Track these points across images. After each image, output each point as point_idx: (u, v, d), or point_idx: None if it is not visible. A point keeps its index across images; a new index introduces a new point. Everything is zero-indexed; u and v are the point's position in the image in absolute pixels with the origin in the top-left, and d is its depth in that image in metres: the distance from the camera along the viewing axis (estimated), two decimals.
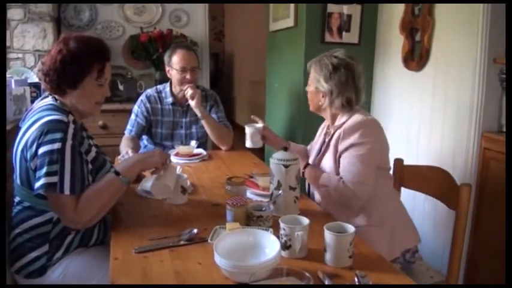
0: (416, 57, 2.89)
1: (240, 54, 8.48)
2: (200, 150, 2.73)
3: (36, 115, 1.65)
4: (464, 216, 1.81)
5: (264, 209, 1.64)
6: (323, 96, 2.00)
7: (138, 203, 1.91)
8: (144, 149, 2.90)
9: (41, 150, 1.55)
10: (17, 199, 1.72)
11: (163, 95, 2.89)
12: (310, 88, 2.06)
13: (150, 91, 2.93)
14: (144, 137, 2.94)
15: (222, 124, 2.88)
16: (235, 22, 8.57)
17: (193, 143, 2.76)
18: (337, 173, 1.91)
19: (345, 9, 3.20)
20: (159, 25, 4.18)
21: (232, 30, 9.04)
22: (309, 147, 2.36)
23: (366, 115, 1.96)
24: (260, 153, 3.82)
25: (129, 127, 2.85)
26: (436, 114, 2.72)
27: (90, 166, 1.68)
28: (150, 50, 3.94)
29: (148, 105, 2.86)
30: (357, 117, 1.92)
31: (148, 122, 2.85)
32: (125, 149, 2.57)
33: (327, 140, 2.05)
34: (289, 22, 3.43)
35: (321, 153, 2.06)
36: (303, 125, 3.29)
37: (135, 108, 2.89)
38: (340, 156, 1.91)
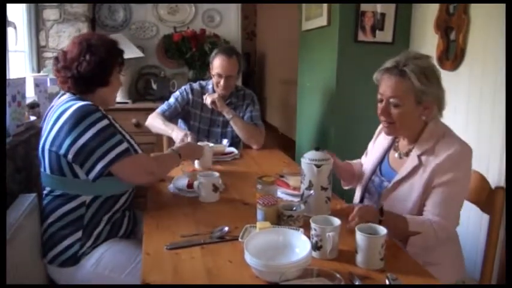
0: (451, 56, 2.83)
1: (272, 53, 8.47)
2: (232, 149, 2.75)
3: (60, 108, 1.70)
4: (498, 221, 1.77)
5: (294, 208, 1.64)
6: (426, 108, 1.70)
7: (170, 200, 1.93)
8: None
9: (89, 134, 1.62)
10: (46, 190, 1.78)
11: (205, 91, 2.94)
12: (403, 107, 1.68)
13: (194, 84, 3.00)
14: (182, 126, 3.00)
15: (253, 123, 2.89)
16: (267, 21, 8.57)
17: (225, 141, 2.79)
18: (420, 205, 1.69)
19: (379, 7, 3.16)
20: (192, 25, 4.22)
21: (264, 30, 9.05)
22: (363, 160, 2.11)
23: (460, 140, 1.70)
24: (291, 152, 3.82)
25: (164, 106, 2.92)
26: (471, 115, 2.66)
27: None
28: (183, 49, 3.98)
29: (190, 96, 2.93)
30: (456, 147, 1.65)
31: (184, 111, 2.90)
32: (172, 128, 2.75)
33: (411, 165, 1.72)
34: (322, 21, 3.41)
35: (399, 179, 1.75)
36: (335, 125, 3.26)
37: (176, 93, 2.97)
38: (429, 188, 1.67)
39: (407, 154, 1.79)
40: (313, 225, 1.41)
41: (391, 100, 1.69)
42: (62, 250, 1.72)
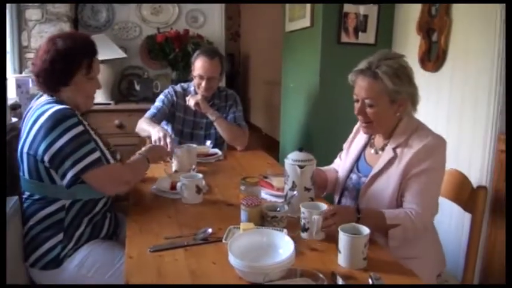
0: (433, 57, 2.86)
1: (256, 54, 8.48)
2: (215, 150, 2.74)
3: (38, 111, 1.68)
4: (480, 220, 1.79)
5: (278, 209, 1.64)
6: (400, 105, 1.74)
7: (153, 202, 1.92)
8: None
9: (63, 139, 1.61)
10: (26, 194, 1.77)
11: (187, 93, 2.93)
12: (378, 107, 1.73)
13: (176, 87, 2.97)
14: (168, 129, 2.96)
15: (237, 124, 2.88)
16: (251, 22, 8.57)
17: (208, 142, 2.78)
18: (398, 197, 1.72)
19: (362, 9, 3.19)
20: (175, 25, 4.20)
21: (248, 31, 9.05)
22: (337, 163, 2.13)
23: (433, 132, 1.75)
24: (275, 153, 3.83)
25: (153, 110, 2.85)
26: (453, 115, 2.69)
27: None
28: (166, 50, 3.96)
29: (175, 98, 2.90)
30: (429, 138, 1.69)
31: (171, 113, 2.88)
32: (154, 127, 2.62)
33: (386, 158, 1.76)
34: (306, 22, 3.42)
35: (376, 173, 1.78)
36: (318, 125, 3.28)
37: (161, 96, 2.92)
38: (406, 179, 1.70)
39: (382, 149, 1.83)
40: (302, 209, 1.53)
41: (366, 101, 1.74)
42: (43, 253, 1.70)
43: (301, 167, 1.70)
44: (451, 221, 2.59)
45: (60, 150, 1.61)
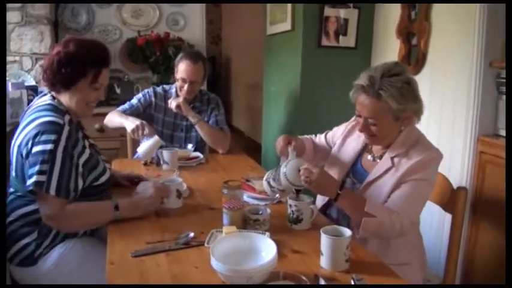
0: (412, 61, 2.90)
1: (237, 57, 8.48)
2: (197, 154, 2.73)
3: (34, 114, 1.71)
4: (460, 220, 1.81)
5: (260, 212, 1.64)
6: (405, 120, 1.71)
7: None
8: None
9: (34, 149, 1.61)
10: (11, 190, 1.78)
11: (168, 95, 2.91)
12: (382, 125, 1.69)
13: (157, 88, 2.96)
14: None
15: (219, 128, 2.87)
16: (232, 26, 8.57)
17: (189, 146, 2.76)
18: (385, 201, 1.71)
19: (342, 13, 3.21)
20: (156, 28, 4.18)
21: (229, 34, 9.04)
22: (317, 139, 2.15)
23: (432, 146, 1.75)
24: (257, 156, 3.83)
25: (125, 106, 2.85)
26: (433, 118, 2.72)
27: (80, 169, 1.72)
28: (147, 53, 3.94)
29: (153, 99, 2.88)
30: (428, 153, 1.69)
31: (147, 114, 2.84)
32: (123, 118, 2.63)
33: (384, 166, 1.75)
34: (286, 26, 3.44)
35: (371, 180, 1.77)
36: (300, 128, 3.29)
37: (139, 95, 2.91)
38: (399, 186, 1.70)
39: (380, 157, 1.81)
40: (294, 202, 1.63)
41: (369, 120, 1.69)
42: (18, 249, 1.71)
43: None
44: (432, 222, 2.62)
45: (29, 156, 1.62)
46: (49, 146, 1.61)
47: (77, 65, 1.72)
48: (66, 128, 1.68)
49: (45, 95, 1.83)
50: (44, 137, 1.62)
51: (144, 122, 2.53)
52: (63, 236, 1.75)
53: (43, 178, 1.59)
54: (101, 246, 1.70)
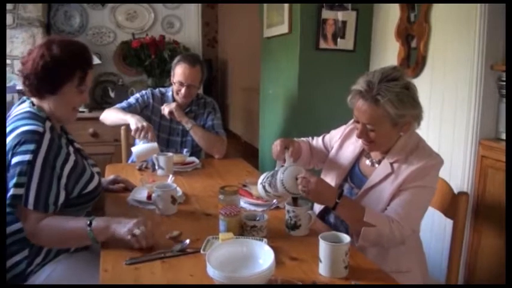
0: (412, 64, 2.90)
1: (234, 61, 8.48)
2: (193, 159, 2.72)
3: (13, 124, 1.65)
4: (462, 225, 1.81)
5: (258, 218, 1.64)
6: (404, 126, 1.70)
7: (129, 213, 1.88)
8: None
9: (13, 160, 1.57)
10: None
11: (165, 98, 2.91)
12: (380, 131, 1.68)
13: (155, 90, 2.96)
14: None
15: (214, 132, 2.87)
16: (229, 28, 8.59)
17: (184, 151, 2.76)
18: (384, 208, 1.70)
19: (340, 15, 3.22)
20: (151, 31, 4.18)
21: (225, 37, 9.06)
22: (315, 142, 2.13)
23: (432, 151, 1.74)
24: (254, 161, 3.83)
25: (124, 104, 2.84)
26: (433, 122, 2.73)
27: (64, 180, 1.67)
28: (142, 56, 3.94)
29: (151, 100, 2.89)
30: (428, 159, 1.68)
31: (143, 116, 2.79)
32: (128, 115, 2.62)
33: (383, 172, 1.75)
34: (284, 28, 3.44)
35: (370, 186, 1.77)
36: (297, 130, 3.29)
37: (137, 95, 2.91)
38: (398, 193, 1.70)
39: (379, 162, 1.80)
40: (292, 208, 1.63)
41: (368, 126, 1.69)
42: (9, 267, 1.65)
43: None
44: (433, 228, 2.62)
45: (9, 168, 1.58)
46: (27, 157, 1.56)
47: (64, 68, 1.68)
48: (47, 136, 1.63)
49: (23, 101, 1.77)
50: (22, 148, 1.57)
51: (150, 125, 2.53)
52: (56, 252, 1.71)
53: (20, 191, 1.54)
54: (96, 262, 1.64)
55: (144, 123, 2.49)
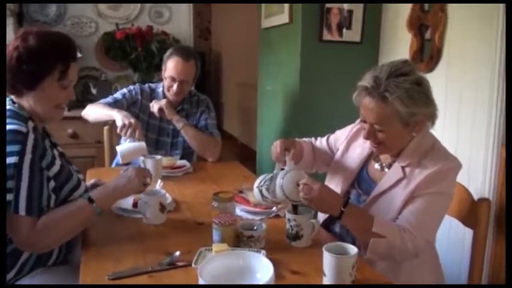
0: (426, 57, 2.90)
1: (229, 53, 8.50)
2: (184, 162, 2.72)
3: None
4: (483, 235, 1.80)
5: (255, 227, 1.64)
6: (416, 125, 1.69)
7: (112, 222, 1.89)
8: None
9: None
10: None
11: (155, 94, 2.91)
12: (390, 132, 1.67)
13: (144, 86, 2.97)
14: None
15: (208, 133, 2.87)
16: (223, 18, 8.59)
17: (175, 153, 2.76)
18: (395, 217, 1.70)
19: (345, 4, 3.22)
20: (137, 21, 4.19)
21: (219, 27, 9.07)
22: (318, 143, 2.14)
23: (449, 154, 1.73)
24: (251, 164, 3.83)
25: (109, 99, 2.84)
26: (449, 121, 2.72)
27: (52, 184, 1.67)
28: (126, 49, 3.94)
29: (139, 97, 2.90)
30: (444, 162, 1.68)
31: (130, 113, 2.80)
32: (113, 110, 2.61)
33: (394, 177, 1.74)
34: (284, 18, 3.44)
35: (379, 192, 1.76)
36: (298, 130, 3.29)
37: (124, 90, 2.92)
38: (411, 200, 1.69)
39: (389, 166, 1.80)
40: (293, 216, 1.63)
41: (375, 126, 1.68)
42: None
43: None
44: (450, 238, 2.62)
45: None
46: (13, 159, 1.55)
47: (41, 60, 1.66)
48: (31, 137, 1.61)
49: None
50: (6, 149, 1.56)
51: (138, 122, 2.51)
52: (32, 266, 1.70)
53: (10, 197, 1.53)
54: (74, 277, 1.63)
55: (132, 120, 2.47)
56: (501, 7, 2.35)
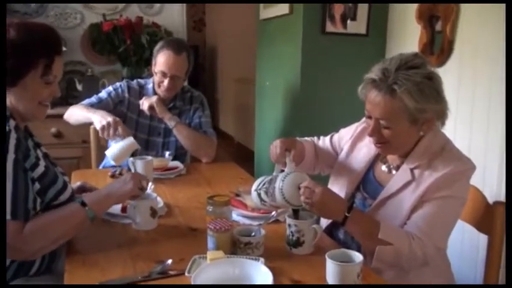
0: (436, 50, 2.90)
1: (225, 46, 8.50)
2: (176, 163, 2.72)
3: None
4: (499, 241, 1.79)
5: (253, 233, 1.64)
6: (424, 123, 1.69)
7: (100, 228, 1.88)
8: None
9: None
10: None
11: (144, 91, 2.90)
12: (396, 128, 1.67)
13: (132, 82, 2.96)
14: None
15: (202, 131, 2.87)
16: (219, 9, 8.60)
17: (167, 154, 2.75)
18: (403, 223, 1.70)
19: None
20: (126, 12, 4.19)
21: (214, 19, 9.08)
22: (321, 143, 2.15)
23: (461, 155, 1.73)
24: (249, 165, 3.82)
25: (93, 99, 2.84)
26: (462, 117, 2.72)
27: (37, 186, 1.66)
28: (115, 41, 3.93)
29: (126, 95, 2.89)
30: (456, 164, 1.67)
31: (117, 112, 2.80)
32: (91, 112, 2.60)
33: (402, 180, 1.74)
34: (284, 9, 3.44)
35: (387, 196, 1.76)
36: (299, 129, 3.29)
37: (110, 88, 2.91)
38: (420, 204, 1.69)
39: (397, 168, 1.80)
40: (293, 221, 1.62)
41: (381, 121, 1.68)
42: None
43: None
44: (463, 244, 2.62)
45: None
46: None
47: (23, 54, 1.65)
48: (13, 136, 1.61)
49: None
50: None
51: (117, 119, 2.49)
52: (12, 276, 1.69)
53: None
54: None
55: (110, 119, 2.46)
56: None
